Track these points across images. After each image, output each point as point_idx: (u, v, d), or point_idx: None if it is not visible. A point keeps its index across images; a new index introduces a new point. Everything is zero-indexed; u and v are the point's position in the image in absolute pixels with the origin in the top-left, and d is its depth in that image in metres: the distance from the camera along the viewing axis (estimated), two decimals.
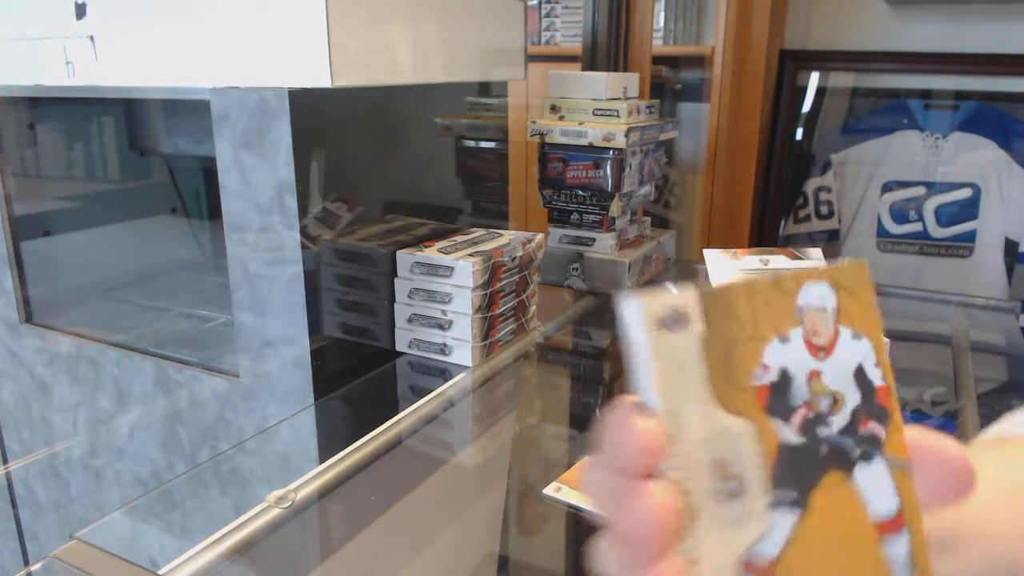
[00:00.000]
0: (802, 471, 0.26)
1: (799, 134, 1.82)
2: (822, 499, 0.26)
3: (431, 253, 0.98)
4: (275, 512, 0.72)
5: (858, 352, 0.27)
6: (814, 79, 1.79)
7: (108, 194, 1.43)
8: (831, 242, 1.79)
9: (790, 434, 0.26)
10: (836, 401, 0.26)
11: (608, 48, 1.44)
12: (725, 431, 0.25)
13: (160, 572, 0.63)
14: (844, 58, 1.76)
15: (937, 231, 1.70)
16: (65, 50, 0.93)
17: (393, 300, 1.02)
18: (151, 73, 0.90)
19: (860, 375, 0.27)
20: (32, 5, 0.95)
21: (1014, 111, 1.63)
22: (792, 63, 1.79)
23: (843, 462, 0.26)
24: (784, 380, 0.26)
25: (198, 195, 1.37)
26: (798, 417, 0.26)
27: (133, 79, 0.92)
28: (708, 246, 0.95)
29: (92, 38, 0.91)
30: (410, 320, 1.01)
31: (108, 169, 1.40)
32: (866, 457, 0.27)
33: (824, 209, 1.80)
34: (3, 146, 1.26)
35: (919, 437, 0.27)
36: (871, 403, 0.27)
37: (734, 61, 1.67)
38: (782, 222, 1.84)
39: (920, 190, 1.70)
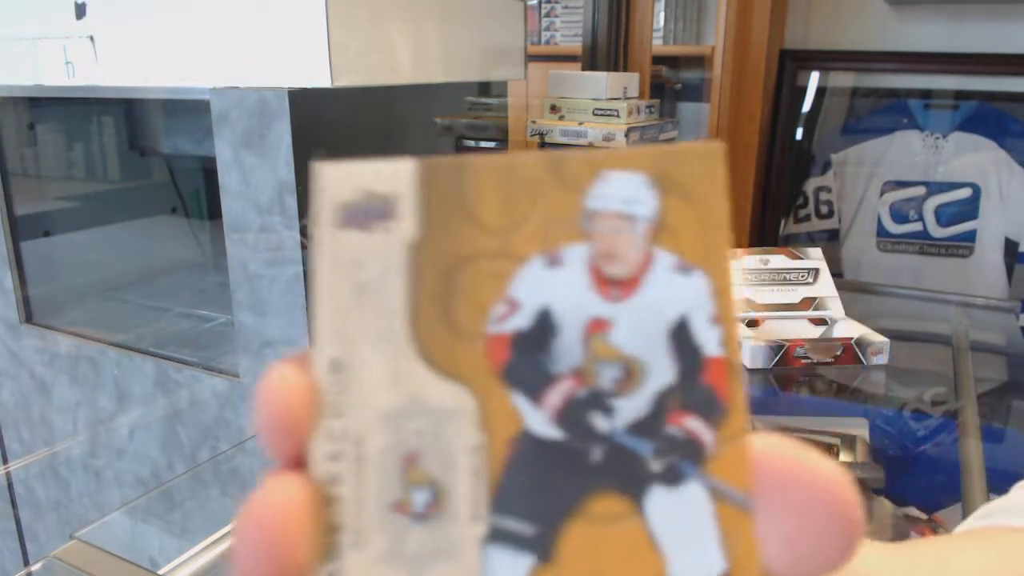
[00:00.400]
0: (552, 486, 0.16)
1: (799, 134, 1.82)
2: (583, 539, 0.16)
3: None
4: None
5: (683, 295, 0.16)
6: (814, 79, 1.79)
7: (108, 194, 1.43)
8: (831, 242, 1.79)
9: (539, 420, 0.16)
10: (631, 374, 0.16)
11: (608, 48, 1.44)
12: (423, 402, 0.16)
13: (160, 572, 0.63)
14: (844, 58, 1.76)
15: (937, 231, 1.70)
16: (65, 50, 0.93)
17: None
18: (151, 73, 0.90)
19: (680, 335, 0.16)
20: (32, 5, 0.95)
21: (1014, 111, 1.63)
22: (792, 63, 1.79)
23: (629, 479, 0.16)
24: (542, 329, 0.16)
25: (198, 195, 1.37)
26: (557, 394, 0.16)
27: (133, 79, 0.92)
28: None
29: (92, 38, 0.91)
30: None
31: (108, 169, 1.40)
32: (672, 476, 0.16)
33: (824, 209, 1.80)
34: (3, 146, 1.26)
35: (772, 452, 0.16)
36: (693, 384, 0.16)
37: (734, 61, 1.67)
38: (782, 222, 1.84)
39: (920, 190, 1.70)
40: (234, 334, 1.04)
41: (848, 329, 0.96)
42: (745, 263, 1.03)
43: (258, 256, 0.99)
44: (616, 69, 1.47)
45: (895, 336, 0.97)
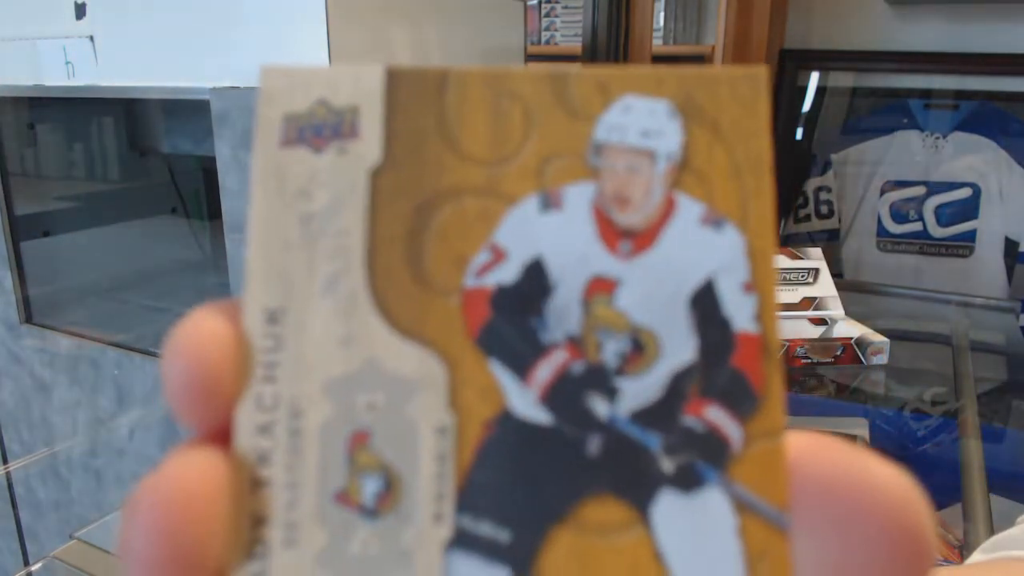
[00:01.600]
0: (537, 484, 0.12)
1: (799, 134, 1.82)
2: (572, 551, 0.12)
3: None
4: None
5: (711, 255, 0.13)
6: (814, 79, 1.79)
7: (108, 194, 1.43)
8: (831, 242, 1.79)
9: (523, 400, 0.13)
10: (641, 349, 0.13)
11: (608, 48, 1.44)
12: (379, 368, 0.13)
13: None
14: (844, 58, 1.76)
15: (937, 231, 1.70)
16: (65, 50, 0.93)
17: None
18: (151, 73, 0.90)
19: (705, 303, 0.13)
20: (32, 5, 0.95)
21: (1014, 111, 1.62)
22: (792, 63, 1.79)
23: (633, 481, 0.12)
24: (532, 285, 0.13)
25: (198, 195, 1.37)
26: (548, 368, 0.13)
27: (133, 79, 0.92)
28: None
29: (92, 38, 0.91)
30: None
31: (108, 169, 1.40)
32: (687, 479, 0.12)
33: (824, 209, 1.80)
34: (3, 146, 1.26)
35: (817, 454, 0.12)
36: (719, 366, 0.13)
37: (734, 61, 1.67)
38: (782, 222, 1.84)
39: (920, 190, 1.70)
40: None
41: (848, 329, 0.96)
42: None
43: None
44: None
45: (895, 336, 0.97)
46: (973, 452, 0.79)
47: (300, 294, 0.13)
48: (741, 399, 0.13)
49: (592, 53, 1.44)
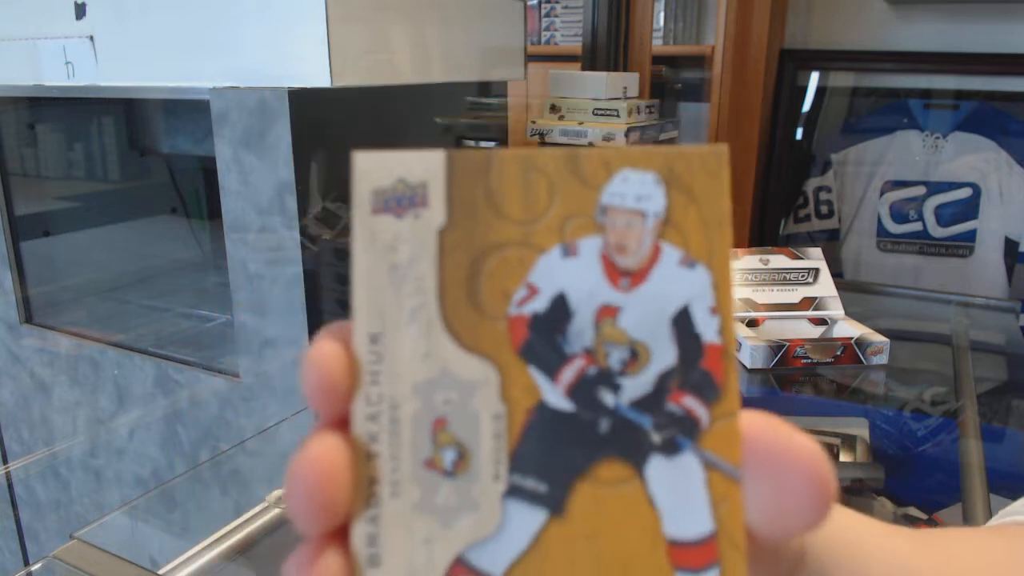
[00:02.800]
0: (564, 451, 0.18)
1: (799, 134, 1.82)
2: (590, 497, 0.18)
3: None
4: (275, 512, 0.72)
5: (686, 287, 0.18)
6: (814, 79, 1.79)
7: (108, 194, 1.43)
8: (831, 241, 1.79)
9: (553, 394, 0.18)
10: (636, 356, 0.18)
11: (608, 48, 1.44)
12: (451, 374, 0.18)
13: (160, 572, 0.63)
14: (844, 58, 1.76)
15: (937, 231, 1.70)
16: (65, 50, 0.93)
17: None
18: (151, 73, 0.90)
19: (682, 323, 0.18)
20: (32, 5, 0.95)
21: (1014, 111, 1.62)
22: (792, 63, 1.79)
23: (631, 448, 0.18)
24: (557, 312, 0.18)
25: (198, 195, 1.37)
26: (570, 371, 0.18)
27: (133, 79, 0.92)
28: None
29: (92, 38, 0.91)
30: None
31: (108, 169, 1.40)
32: (670, 447, 0.18)
33: (824, 209, 1.80)
34: (3, 146, 1.26)
35: (759, 429, 0.18)
36: (692, 368, 0.18)
37: (734, 61, 1.67)
38: (782, 222, 1.84)
39: (920, 190, 1.70)
40: (234, 334, 1.04)
41: (848, 329, 0.96)
42: (745, 263, 1.03)
43: (258, 256, 0.99)
44: (616, 69, 1.47)
45: (895, 336, 0.96)
46: (973, 452, 0.79)
47: (392, 322, 0.18)
48: (708, 391, 0.18)
49: (592, 53, 1.44)
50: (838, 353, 0.93)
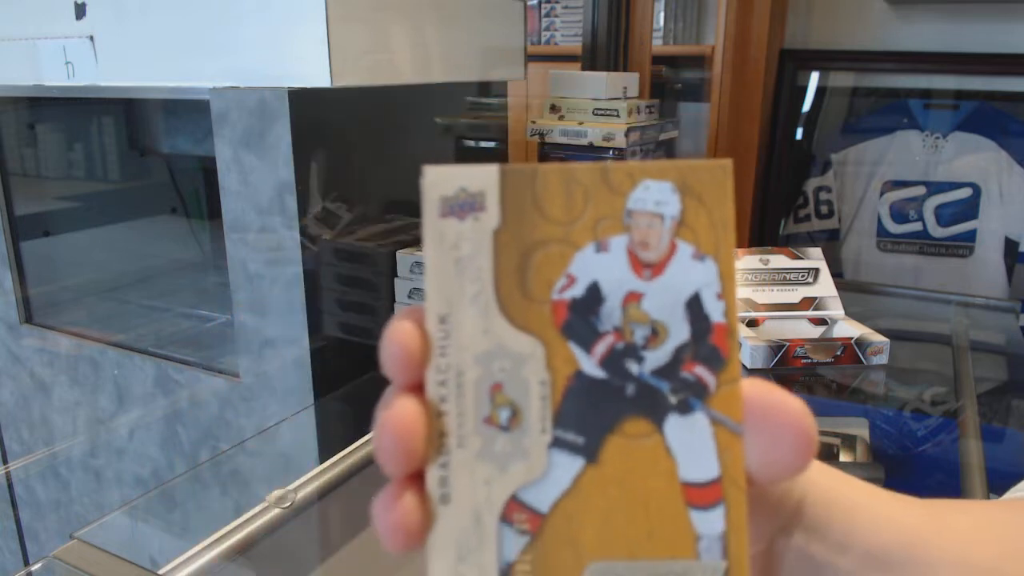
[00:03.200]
0: (598, 411, 0.22)
1: (799, 134, 1.82)
2: (619, 448, 0.22)
3: None
4: (275, 512, 0.72)
5: (697, 276, 0.22)
6: (814, 79, 1.79)
7: (108, 194, 1.43)
8: (831, 241, 1.79)
9: (589, 364, 0.22)
10: (656, 333, 0.22)
11: (608, 48, 1.44)
12: (505, 348, 0.22)
13: (160, 572, 0.63)
14: (844, 58, 1.76)
15: (937, 231, 1.70)
16: (65, 50, 0.93)
17: (393, 300, 1.02)
18: (151, 73, 0.90)
19: (694, 306, 0.22)
20: (32, 5, 0.95)
21: (1014, 111, 1.62)
22: (792, 63, 1.79)
23: (652, 408, 0.22)
24: (592, 298, 0.22)
25: (198, 195, 1.37)
26: (602, 345, 0.22)
27: (133, 79, 0.92)
28: None
29: (92, 38, 0.91)
30: None
31: (108, 169, 1.40)
32: (684, 407, 0.22)
33: (824, 209, 1.80)
34: (3, 146, 1.26)
35: (756, 392, 0.22)
36: (702, 342, 0.22)
37: (734, 61, 1.67)
38: (782, 222, 1.84)
39: (920, 190, 1.70)
40: (234, 334, 1.04)
41: (848, 329, 0.96)
42: (745, 263, 1.03)
43: (258, 256, 0.99)
44: (616, 69, 1.47)
45: (895, 336, 0.96)
46: (973, 452, 0.79)
47: (457, 305, 0.22)
48: (715, 361, 0.22)
49: (592, 53, 1.44)
50: (838, 353, 0.93)
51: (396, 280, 1.00)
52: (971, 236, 1.66)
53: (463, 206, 0.21)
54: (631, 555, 0.22)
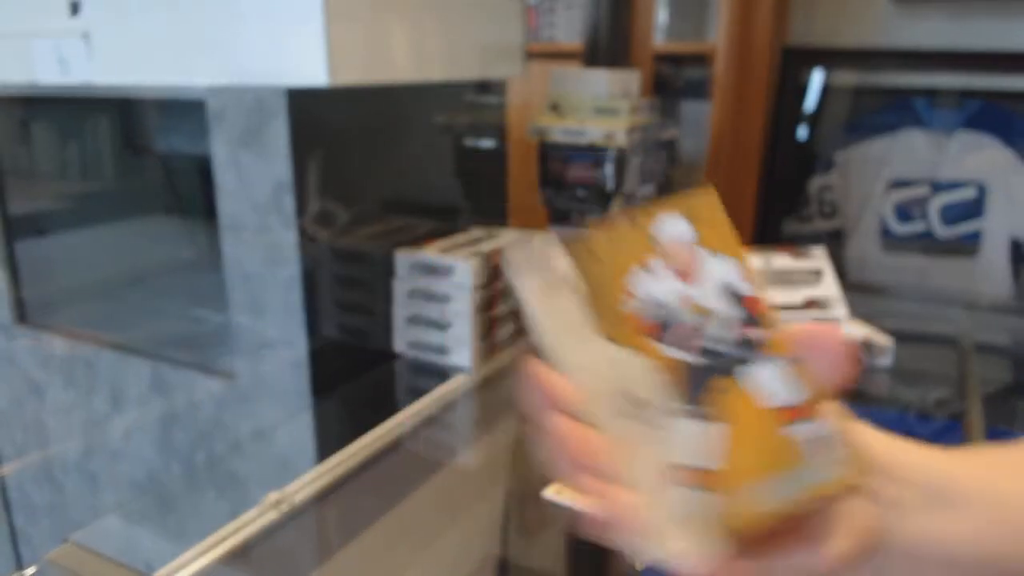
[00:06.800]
0: (695, 382, 0.29)
1: (802, 132, 1.81)
2: (721, 402, 0.29)
3: (430, 253, 0.97)
4: (272, 514, 0.71)
5: (722, 271, 0.29)
6: (817, 77, 1.78)
7: (103, 193, 1.42)
8: (835, 241, 1.78)
9: (675, 352, 0.29)
10: (710, 316, 0.29)
11: (609, 46, 1.43)
12: (617, 361, 0.29)
13: (155, 575, 0.63)
14: (848, 56, 1.75)
15: (942, 231, 1.69)
16: (59, 48, 0.93)
17: (391, 301, 1.01)
18: (146, 71, 0.89)
19: (728, 290, 0.29)
20: (25, 2, 0.94)
21: (1020, 109, 1.61)
22: (795, 61, 1.78)
23: (725, 368, 0.29)
24: (656, 305, 0.29)
25: (194, 195, 1.37)
26: (677, 336, 0.29)
27: (128, 77, 0.91)
28: None
29: (86, 35, 0.90)
30: (408, 321, 1.00)
31: (103, 168, 1.39)
32: (748, 359, 0.29)
33: (828, 208, 1.79)
34: None
35: (806, 330, 0.29)
36: (743, 312, 0.29)
37: (736, 59, 1.66)
38: (785, 221, 1.84)
39: (925, 189, 1.69)
40: (230, 335, 1.03)
41: (852, 330, 0.95)
42: None
43: (255, 256, 0.98)
44: (617, 67, 1.46)
45: (900, 337, 0.96)
46: None
47: (569, 343, 0.30)
48: (758, 322, 0.29)
49: (593, 51, 1.43)
50: None
51: (394, 281, 1.00)
52: (977, 236, 1.65)
53: (547, 274, 0.30)
54: (760, 478, 0.28)
